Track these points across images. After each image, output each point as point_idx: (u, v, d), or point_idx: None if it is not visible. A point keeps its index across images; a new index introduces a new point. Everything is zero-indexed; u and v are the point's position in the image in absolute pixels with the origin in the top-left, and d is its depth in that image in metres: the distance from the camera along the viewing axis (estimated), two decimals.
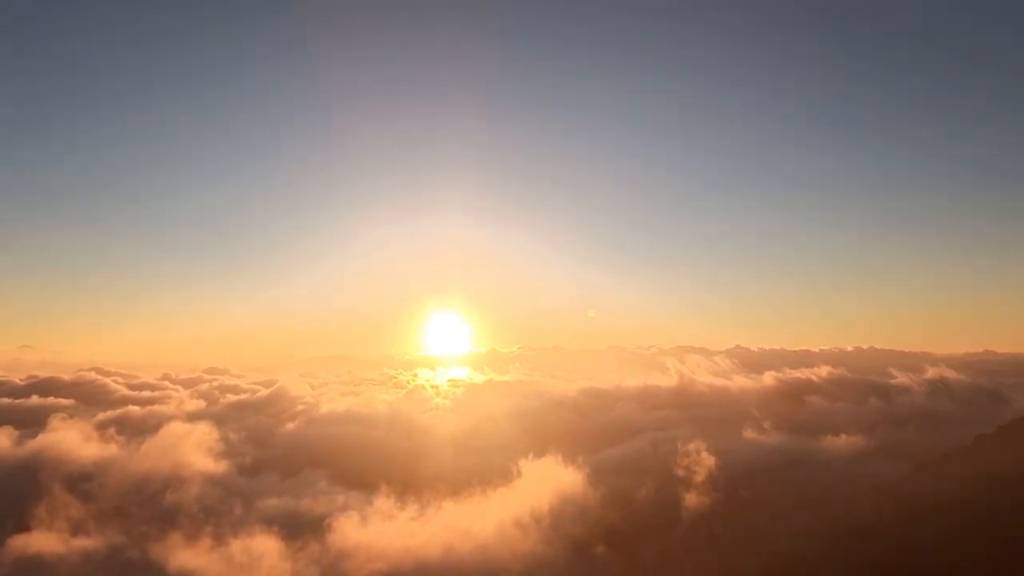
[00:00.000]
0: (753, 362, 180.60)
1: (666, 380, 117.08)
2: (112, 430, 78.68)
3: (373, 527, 45.82)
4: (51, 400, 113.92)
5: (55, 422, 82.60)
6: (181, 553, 42.09)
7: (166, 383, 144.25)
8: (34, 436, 75.04)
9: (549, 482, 51.82)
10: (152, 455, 66.36)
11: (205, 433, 74.12)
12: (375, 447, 74.45)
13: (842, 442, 65.89)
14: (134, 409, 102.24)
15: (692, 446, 58.61)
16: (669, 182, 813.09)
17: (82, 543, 44.93)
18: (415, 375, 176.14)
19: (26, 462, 63.72)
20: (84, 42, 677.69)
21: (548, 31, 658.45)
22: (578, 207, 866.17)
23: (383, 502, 50.78)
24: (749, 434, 70.80)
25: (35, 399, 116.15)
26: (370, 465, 64.23)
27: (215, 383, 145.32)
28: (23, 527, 47.36)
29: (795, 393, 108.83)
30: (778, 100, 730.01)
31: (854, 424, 73.80)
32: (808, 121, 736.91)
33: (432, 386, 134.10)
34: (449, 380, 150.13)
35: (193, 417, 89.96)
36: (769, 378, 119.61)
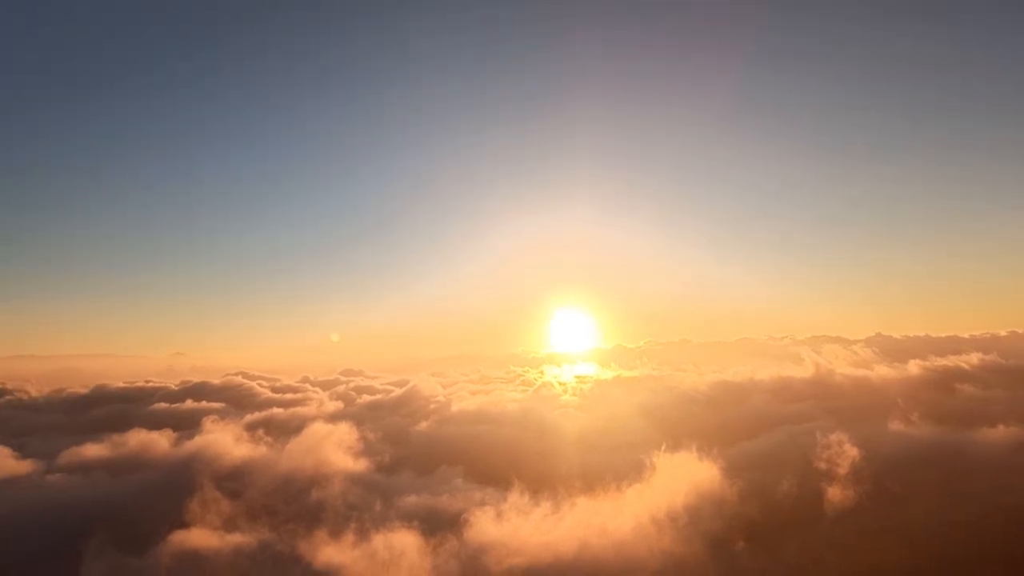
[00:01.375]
0: (896, 350, 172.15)
1: (801, 371, 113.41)
2: (259, 431, 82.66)
3: (509, 523, 46.22)
4: (203, 404, 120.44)
5: (208, 424, 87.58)
6: (326, 548, 43.52)
7: (306, 385, 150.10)
8: (190, 438, 79.76)
9: (684, 477, 50.94)
10: (296, 454, 69.29)
11: (345, 433, 76.86)
12: (507, 444, 75.23)
13: (999, 433, 61.77)
14: (278, 411, 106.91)
15: (833, 438, 56.39)
16: (796, 164, 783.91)
17: (235, 538, 46.96)
18: (542, 372, 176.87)
19: (184, 462, 67.60)
20: (233, 45, 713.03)
21: (668, 25, 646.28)
22: (702, 195, 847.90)
23: (518, 499, 51.16)
24: (895, 426, 67.48)
25: (189, 403, 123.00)
26: (503, 462, 64.92)
27: (351, 384, 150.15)
28: (182, 523, 49.93)
29: (944, 382, 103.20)
30: (916, 84, 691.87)
31: (1011, 413, 69.09)
32: (941, 94, 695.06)
33: (559, 383, 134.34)
34: (576, 377, 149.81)
35: (332, 418, 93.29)
36: (914, 367, 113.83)
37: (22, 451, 77.62)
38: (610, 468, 56.79)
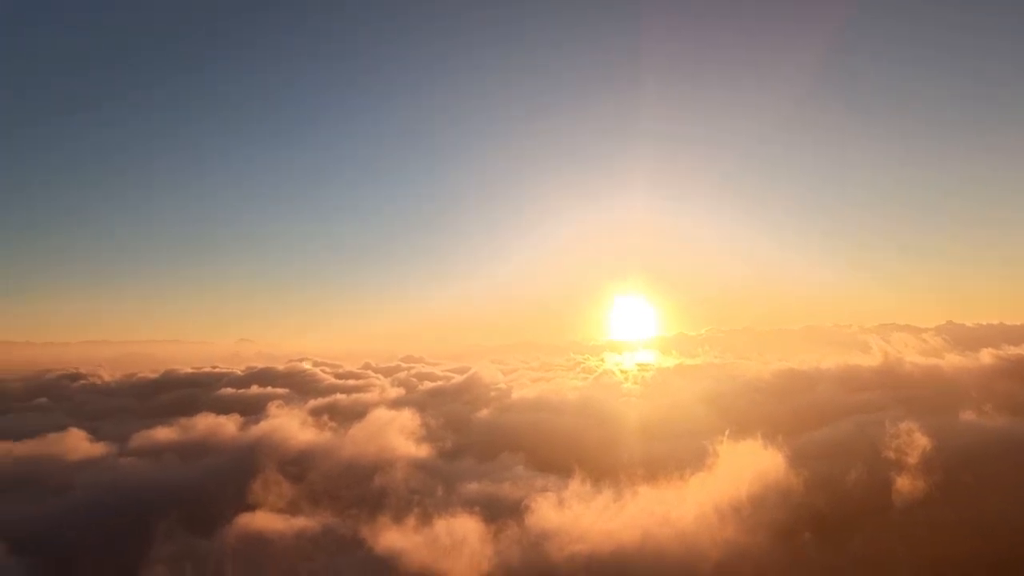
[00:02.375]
0: (968, 339, 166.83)
1: (869, 360, 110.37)
2: (323, 416, 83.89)
3: (571, 511, 46.00)
4: (268, 389, 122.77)
5: (273, 409, 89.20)
6: (388, 533, 43.85)
7: (368, 372, 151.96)
8: (256, 422, 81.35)
9: (748, 467, 50.00)
10: (359, 440, 70.15)
11: (407, 419, 77.54)
12: (568, 432, 74.97)
13: None
14: (341, 397, 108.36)
15: (903, 427, 54.79)
16: (860, 144, 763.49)
17: (299, 522, 47.70)
18: (602, 360, 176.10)
19: (250, 446, 68.97)
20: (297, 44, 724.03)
21: (736, 3, 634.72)
22: (766, 180, 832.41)
23: (579, 486, 50.94)
24: (967, 416, 65.24)
25: (255, 388, 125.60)
26: (564, 450, 64.66)
27: (412, 371, 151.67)
28: (248, 506, 50.91)
29: (1019, 371, 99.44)
30: (989, 67, 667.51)
31: None
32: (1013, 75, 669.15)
33: (620, 371, 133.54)
34: (637, 365, 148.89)
35: (394, 404, 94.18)
36: (987, 356, 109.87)
37: (96, 434, 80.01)
38: (672, 457, 56.13)
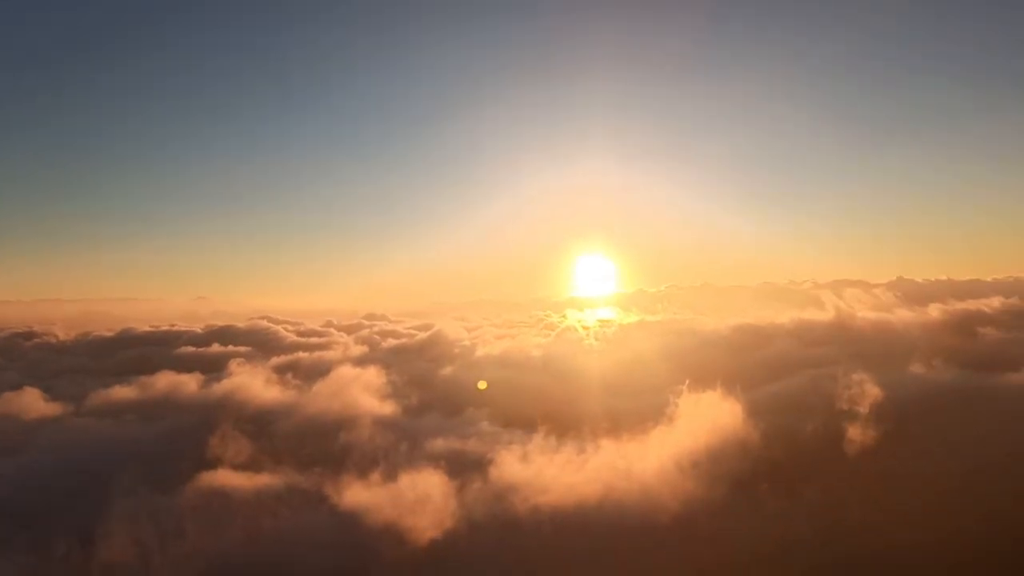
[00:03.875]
0: (918, 294, 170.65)
1: (823, 315, 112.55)
2: (285, 375, 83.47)
3: (535, 465, 46.47)
4: (229, 348, 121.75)
5: (234, 367, 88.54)
6: (353, 489, 43.95)
7: (330, 330, 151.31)
8: (218, 381, 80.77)
9: (707, 420, 50.84)
10: (323, 398, 70.04)
11: (371, 376, 77.50)
12: (532, 388, 75.52)
13: (1022, 376, 61.16)
14: (303, 355, 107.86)
15: (855, 380, 56.11)
16: (813, 102, 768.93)
17: (262, 479, 47.67)
18: (564, 317, 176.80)
19: (212, 405, 68.56)
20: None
21: None
22: (721, 138, 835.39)
23: (543, 441, 51.41)
24: (916, 369, 66.97)
25: (215, 347, 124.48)
26: (528, 406, 65.18)
27: (375, 329, 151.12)
28: (210, 463, 50.69)
29: (965, 326, 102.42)
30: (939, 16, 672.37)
31: None
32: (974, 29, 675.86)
33: (582, 327, 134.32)
34: (598, 321, 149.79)
35: (358, 362, 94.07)
36: (935, 311, 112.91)
37: (51, 393, 78.85)
38: (634, 411, 56.83)
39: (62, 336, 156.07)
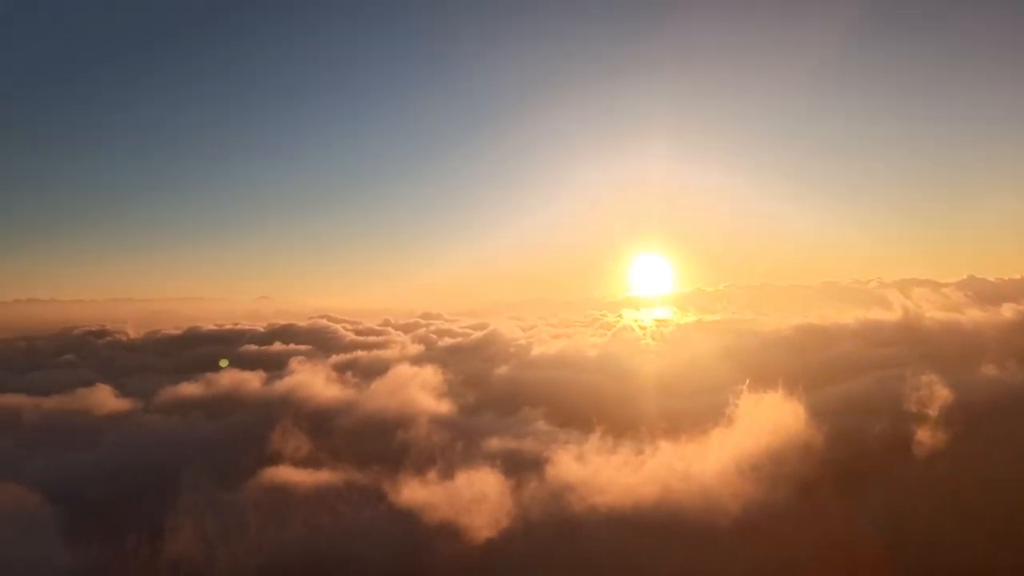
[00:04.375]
0: (990, 294, 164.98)
1: (889, 315, 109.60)
2: (344, 373, 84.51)
3: (591, 465, 46.26)
4: (291, 346, 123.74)
5: (295, 365, 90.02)
6: (410, 487, 44.29)
7: (387, 328, 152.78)
8: (279, 378, 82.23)
9: (768, 422, 49.93)
10: (381, 396, 70.72)
11: (427, 375, 78.03)
12: (588, 388, 75.05)
13: None
14: (361, 353, 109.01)
15: (924, 380, 54.56)
16: (879, 99, 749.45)
17: (322, 475, 48.33)
18: (620, 316, 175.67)
19: (274, 402, 69.80)
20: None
21: None
22: (785, 135, 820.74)
23: (599, 442, 51.15)
24: (988, 371, 64.77)
25: (277, 345, 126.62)
26: (584, 406, 64.76)
27: (431, 327, 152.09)
28: (272, 460, 51.62)
29: None
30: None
31: None
32: None
33: (639, 327, 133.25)
34: (655, 321, 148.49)
35: (414, 360, 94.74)
36: (1008, 311, 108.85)
37: (122, 389, 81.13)
38: (692, 412, 56.21)
39: (133, 334, 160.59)
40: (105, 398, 76.68)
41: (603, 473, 45.05)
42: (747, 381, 57.15)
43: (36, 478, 48.46)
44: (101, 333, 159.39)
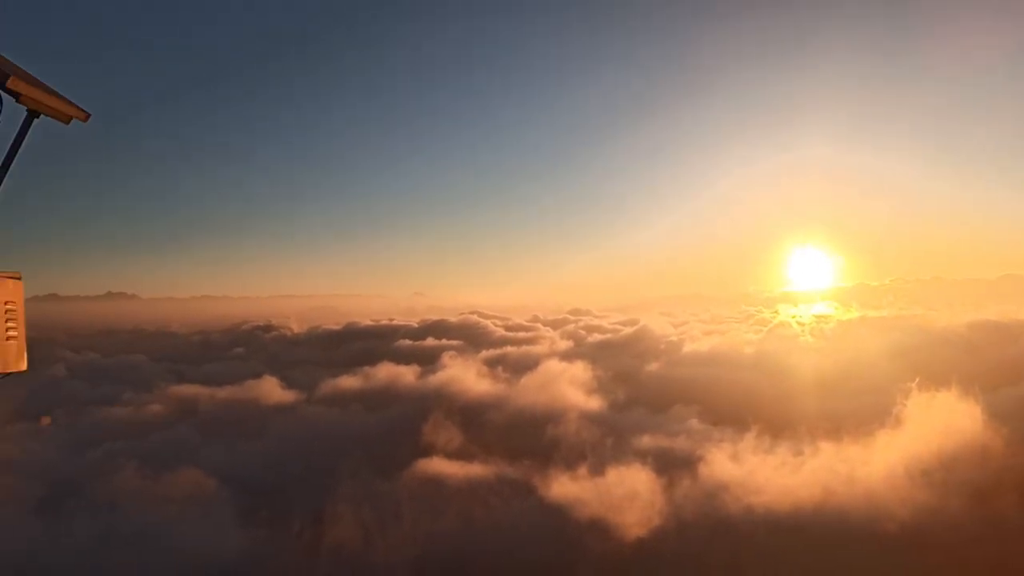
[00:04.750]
0: None
1: None
2: (494, 368, 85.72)
3: (747, 465, 44.90)
4: (443, 341, 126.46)
5: (447, 360, 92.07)
6: (560, 482, 44.33)
7: (537, 324, 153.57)
8: (432, 373, 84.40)
9: (940, 424, 46.83)
10: (531, 391, 71.31)
11: (577, 371, 78.01)
12: (743, 386, 72.85)
13: None
14: (511, 349, 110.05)
15: None
16: None
17: (474, 468, 49.12)
18: (777, 312, 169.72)
19: (428, 395, 71.66)
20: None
21: None
22: (958, 119, 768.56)
23: (755, 441, 49.55)
24: None
25: (430, 340, 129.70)
26: (739, 404, 62.92)
27: (580, 323, 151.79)
28: (426, 451, 52.94)
29: None
30: None
31: None
32: None
33: (797, 323, 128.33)
34: (815, 316, 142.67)
35: (564, 356, 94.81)
36: None
37: (287, 381, 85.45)
38: (856, 412, 53.48)
39: (296, 329, 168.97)
40: (272, 389, 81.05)
41: (759, 473, 43.68)
42: (916, 381, 53.81)
43: (211, 464, 51.80)
44: (268, 328, 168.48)
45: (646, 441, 53.13)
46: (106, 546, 37.57)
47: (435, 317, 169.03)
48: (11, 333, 3.38)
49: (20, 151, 3.45)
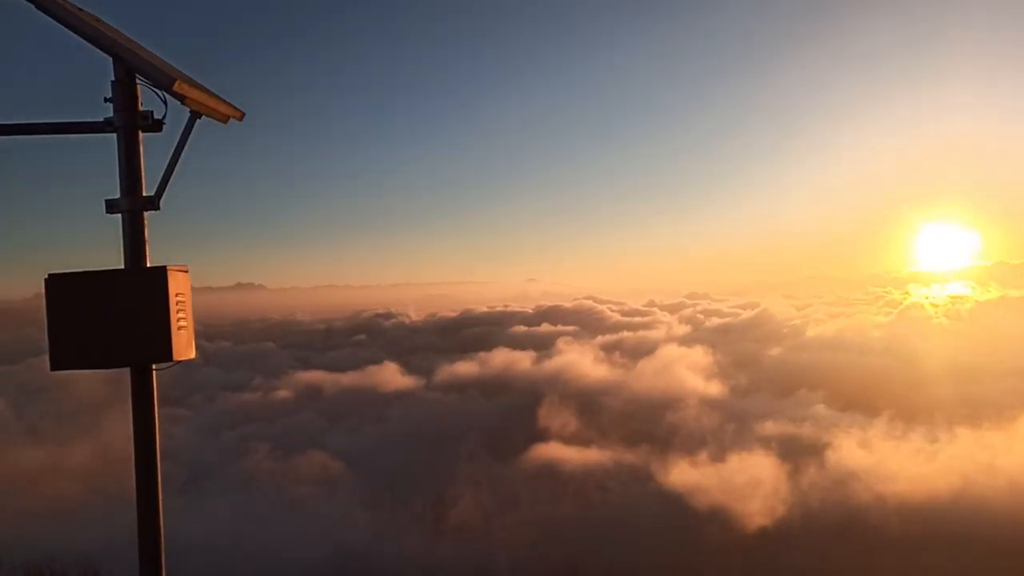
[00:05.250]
0: None
1: None
2: (610, 353, 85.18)
3: (877, 453, 43.02)
4: (558, 327, 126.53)
5: (562, 346, 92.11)
6: (679, 468, 43.63)
7: (653, 309, 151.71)
8: (548, 358, 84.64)
9: None
10: (648, 376, 70.49)
11: (696, 356, 76.65)
12: (872, 370, 69.87)
13: None
14: (627, 334, 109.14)
15: None
16: None
17: (591, 453, 48.93)
18: (907, 293, 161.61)
19: (544, 381, 71.82)
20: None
21: None
22: None
23: (886, 428, 47.42)
24: None
25: (545, 326, 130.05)
26: (868, 389, 60.41)
27: (697, 307, 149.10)
28: (542, 436, 53.12)
29: None
30: None
31: None
32: None
33: (930, 304, 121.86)
34: (949, 297, 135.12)
35: (681, 341, 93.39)
36: None
37: (407, 367, 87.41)
38: (997, 398, 50.58)
39: (414, 317, 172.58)
40: (392, 375, 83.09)
41: (891, 461, 41.79)
42: None
43: (336, 447, 53.54)
44: (387, 315, 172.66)
45: (769, 427, 51.60)
46: (241, 525, 39.30)
47: (549, 303, 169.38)
48: (181, 323, 3.60)
49: (185, 151, 3.69)
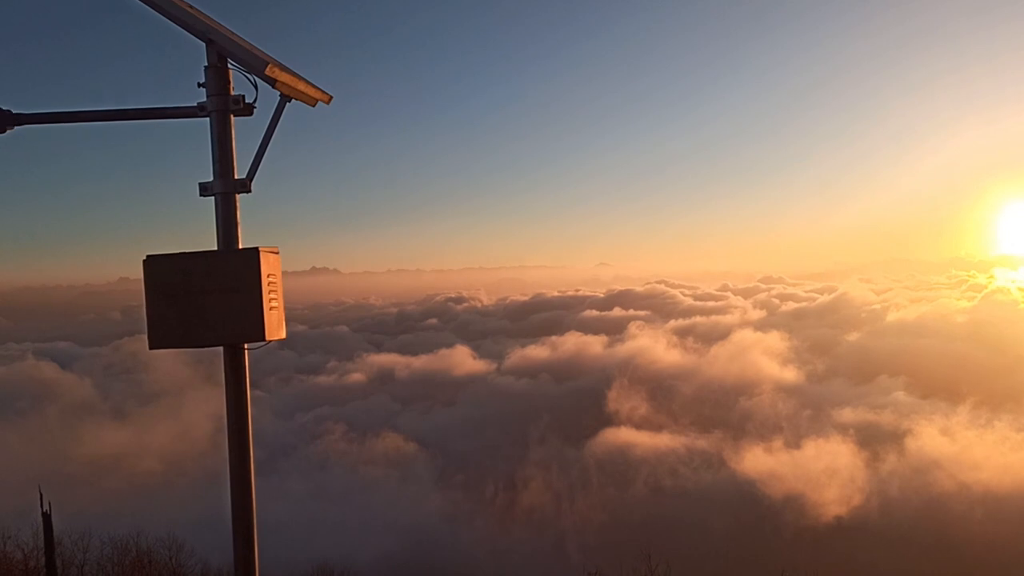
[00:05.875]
0: None
1: None
2: (683, 338, 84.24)
3: (960, 441, 41.71)
4: (629, 311, 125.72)
5: (634, 330, 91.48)
6: (753, 454, 43.06)
7: (726, 293, 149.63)
8: (619, 343, 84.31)
9: None
10: (722, 361, 69.57)
11: (770, 341, 75.33)
12: (955, 356, 67.77)
13: None
14: (700, 319, 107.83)
15: None
16: None
17: (662, 438, 48.61)
18: (992, 277, 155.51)
19: (615, 365, 71.37)
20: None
21: None
22: None
23: (970, 415, 45.95)
24: None
25: (616, 310, 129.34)
26: (951, 375, 58.61)
27: (772, 292, 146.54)
28: (613, 421, 53.01)
29: None
30: None
31: None
32: None
33: (1018, 288, 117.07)
34: None
35: (756, 325, 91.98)
36: None
37: (478, 351, 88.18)
38: None
39: (485, 301, 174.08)
40: (463, 359, 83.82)
41: (976, 450, 40.50)
42: None
43: (409, 428, 54.36)
44: (459, 299, 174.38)
45: (847, 414, 50.44)
46: (316, 505, 40.23)
47: (621, 287, 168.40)
48: (273, 304, 3.65)
49: (275, 134, 3.73)
